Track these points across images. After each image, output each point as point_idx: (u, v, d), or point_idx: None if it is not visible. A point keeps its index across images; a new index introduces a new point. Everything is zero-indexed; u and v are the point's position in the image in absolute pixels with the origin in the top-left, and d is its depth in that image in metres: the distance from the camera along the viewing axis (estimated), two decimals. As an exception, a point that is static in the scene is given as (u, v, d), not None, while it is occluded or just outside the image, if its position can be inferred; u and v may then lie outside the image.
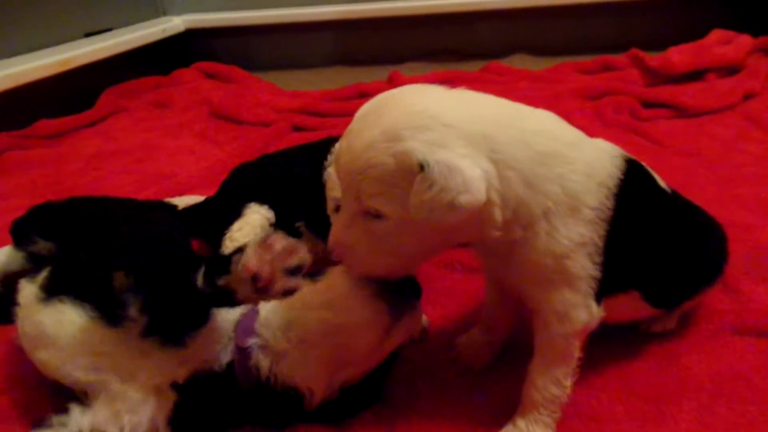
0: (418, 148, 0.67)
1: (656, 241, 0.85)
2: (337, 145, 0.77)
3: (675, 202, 0.92)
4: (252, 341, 0.82)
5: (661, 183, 0.90)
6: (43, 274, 0.91)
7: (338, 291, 0.82)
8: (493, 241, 0.74)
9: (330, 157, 1.14)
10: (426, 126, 0.68)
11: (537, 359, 0.82)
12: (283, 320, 0.82)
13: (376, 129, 0.70)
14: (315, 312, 0.81)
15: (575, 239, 0.74)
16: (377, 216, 0.72)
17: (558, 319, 0.78)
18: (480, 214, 0.69)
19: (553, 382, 0.81)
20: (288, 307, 0.84)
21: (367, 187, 0.70)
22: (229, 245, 1.20)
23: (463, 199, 0.65)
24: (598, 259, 0.76)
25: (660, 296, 0.91)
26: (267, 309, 0.85)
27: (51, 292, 0.87)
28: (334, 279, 0.84)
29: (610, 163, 0.78)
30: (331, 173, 1.10)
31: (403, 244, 0.74)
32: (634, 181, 0.80)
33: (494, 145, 0.69)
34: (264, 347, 0.82)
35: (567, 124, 0.80)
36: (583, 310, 0.77)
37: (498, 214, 0.71)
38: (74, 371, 0.81)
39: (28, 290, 0.90)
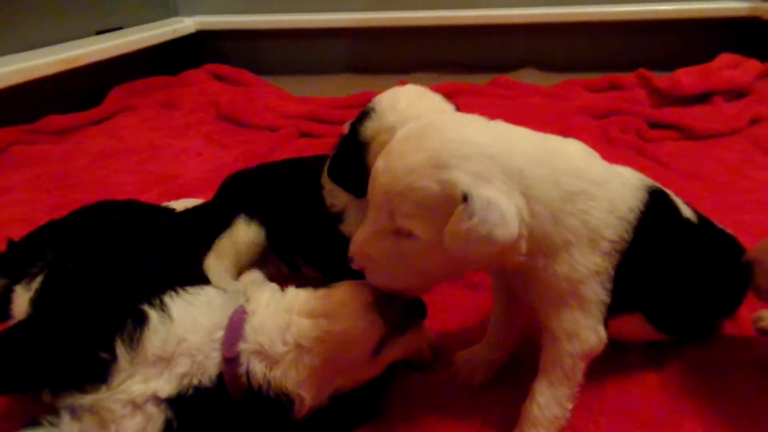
0: (464, 179, 0.69)
1: (666, 271, 0.87)
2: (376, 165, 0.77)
3: (698, 233, 0.93)
4: (242, 346, 0.81)
5: (687, 212, 0.92)
6: (36, 284, 0.91)
7: (336, 300, 0.83)
8: (513, 265, 0.77)
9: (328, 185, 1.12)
10: (470, 156, 0.71)
11: (541, 378, 0.83)
12: (280, 324, 0.82)
13: (421, 154, 0.72)
14: (312, 319, 0.81)
15: (591, 268, 0.77)
16: (408, 235, 0.74)
17: (568, 338, 0.80)
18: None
19: (555, 402, 0.82)
20: (284, 310, 0.83)
21: (405, 208, 0.72)
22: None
23: (499, 233, 0.69)
24: (609, 285, 0.80)
25: (664, 322, 0.94)
26: (261, 313, 0.84)
27: (38, 303, 0.87)
28: (334, 289, 0.85)
29: (633, 197, 0.82)
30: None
31: (428, 264, 0.76)
32: (654, 213, 0.83)
33: (528, 181, 0.73)
34: (258, 353, 0.81)
35: (596, 158, 0.83)
36: (592, 333, 0.81)
37: (524, 246, 0.74)
38: None
39: (22, 299, 0.90)
